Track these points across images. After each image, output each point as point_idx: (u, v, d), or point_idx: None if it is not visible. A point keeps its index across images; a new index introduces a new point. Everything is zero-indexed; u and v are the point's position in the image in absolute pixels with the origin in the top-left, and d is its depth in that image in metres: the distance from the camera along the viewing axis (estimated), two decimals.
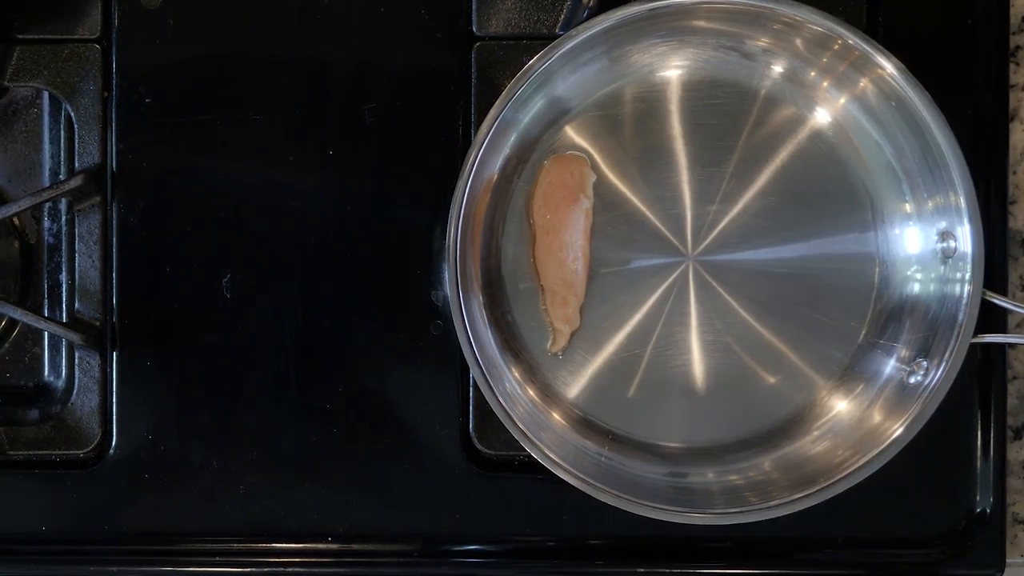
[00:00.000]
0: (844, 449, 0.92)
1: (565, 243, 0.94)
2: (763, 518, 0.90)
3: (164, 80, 0.96)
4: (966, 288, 0.89)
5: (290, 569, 0.96)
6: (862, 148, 0.94)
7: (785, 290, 0.95)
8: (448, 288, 0.91)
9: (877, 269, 0.95)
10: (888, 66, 0.89)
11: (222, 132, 0.96)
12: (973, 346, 0.90)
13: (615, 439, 0.95)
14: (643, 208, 0.95)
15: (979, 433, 0.96)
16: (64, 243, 0.97)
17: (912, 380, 0.92)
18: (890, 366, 0.94)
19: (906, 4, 0.96)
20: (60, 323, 0.96)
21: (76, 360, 0.96)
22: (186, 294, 0.96)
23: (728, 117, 0.95)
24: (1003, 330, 0.96)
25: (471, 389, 0.95)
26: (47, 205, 0.97)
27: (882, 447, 0.90)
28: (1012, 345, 0.98)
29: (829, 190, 0.95)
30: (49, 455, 0.96)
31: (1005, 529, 0.97)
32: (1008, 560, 0.97)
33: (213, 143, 0.96)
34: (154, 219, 0.96)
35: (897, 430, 0.90)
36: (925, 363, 0.91)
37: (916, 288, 0.93)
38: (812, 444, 0.94)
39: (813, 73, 0.93)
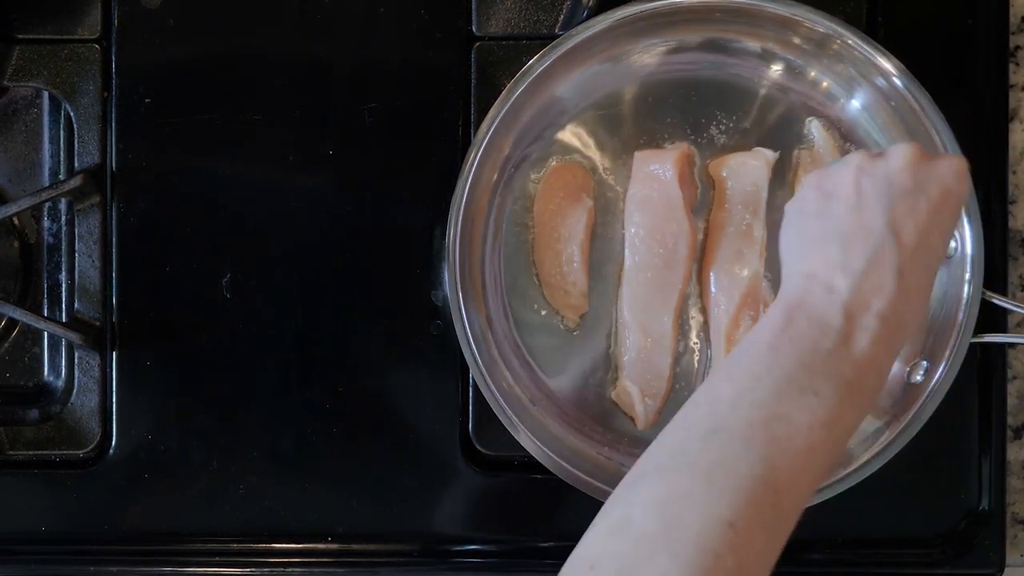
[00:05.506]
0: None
1: (566, 242, 0.94)
2: None
3: (164, 80, 0.96)
4: (966, 288, 0.89)
5: (290, 569, 0.96)
6: (862, 148, 0.94)
7: None
8: (448, 288, 0.91)
9: None
10: (888, 66, 0.89)
11: (222, 132, 0.96)
12: (973, 346, 0.90)
13: (615, 439, 0.95)
14: None
15: (979, 433, 0.96)
16: (64, 243, 0.97)
17: (912, 380, 0.92)
18: None
19: (906, 4, 0.96)
20: (60, 323, 0.96)
21: (76, 360, 0.96)
22: (186, 294, 0.96)
23: (728, 117, 0.94)
24: (1003, 330, 0.96)
25: (471, 389, 0.95)
26: (47, 205, 0.97)
27: (882, 447, 0.90)
28: (1012, 345, 0.98)
29: None
30: (49, 455, 0.96)
31: (1005, 529, 0.97)
32: (1008, 560, 0.97)
33: (213, 143, 0.96)
34: (154, 219, 0.96)
35: (897, 430, 0.90)
36: (925, 363, 0.91)
37: None
38: None
39: (813, 73, 0.93)
